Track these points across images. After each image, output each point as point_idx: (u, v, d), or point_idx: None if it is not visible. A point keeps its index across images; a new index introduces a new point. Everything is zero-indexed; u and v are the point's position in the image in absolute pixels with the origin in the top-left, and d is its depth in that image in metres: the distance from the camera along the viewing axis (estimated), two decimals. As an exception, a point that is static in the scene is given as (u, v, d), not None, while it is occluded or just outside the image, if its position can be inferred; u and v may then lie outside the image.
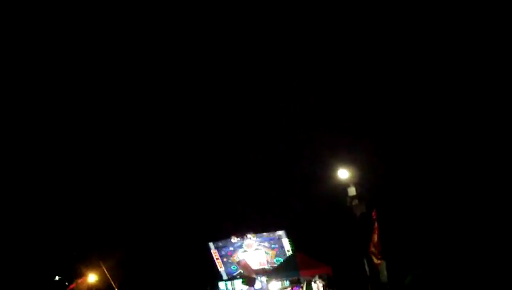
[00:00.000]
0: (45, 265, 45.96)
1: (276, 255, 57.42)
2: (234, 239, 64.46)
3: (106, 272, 48.38)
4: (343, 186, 25.06)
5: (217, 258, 65.38)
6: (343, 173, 24.85)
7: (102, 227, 57.71)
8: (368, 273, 23.94)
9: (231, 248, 64.97)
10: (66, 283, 49.50)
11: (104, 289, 48.36)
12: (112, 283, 48.17)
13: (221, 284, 62.65)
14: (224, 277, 65.00)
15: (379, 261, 23.20)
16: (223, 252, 65.59)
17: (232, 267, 64.30)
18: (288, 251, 59.83)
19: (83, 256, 48.96)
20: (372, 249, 23.06)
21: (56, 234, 47.40)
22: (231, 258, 64.58)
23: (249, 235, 63.68)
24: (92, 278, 47.93)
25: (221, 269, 65.41)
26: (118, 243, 56.81)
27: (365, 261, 23.89)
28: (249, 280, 45.00)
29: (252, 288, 47.12)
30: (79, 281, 48.26)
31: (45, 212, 47.67)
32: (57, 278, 49.19)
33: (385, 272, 22.25)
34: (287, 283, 45.79)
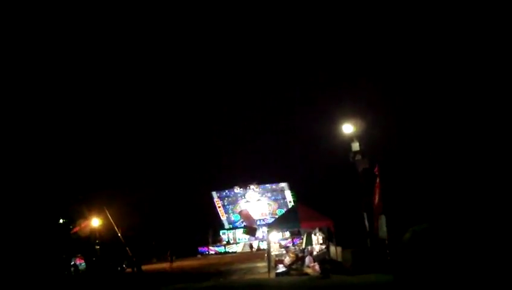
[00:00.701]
0: (50, 208, 46.26)
1: (279, 207, 58.07)
2: (237, 189, 65.20)
3: (110, 217, 48.74)
4: (347, 141, 24.94)
5: (219, 207, 66.24)
6: (348, 128, 24.62)
7: (108, 173, 58.12)
8: (368, 228, 24.09)
9: (233, 198, 65.82)
10: (71, 226, 49.96)
11: (108, 234, 48.74)
12: (116, 228, 48.55)
13: (223, 233, 63.66)
14: (227, 225, 65.97)
15: (372, 216, 23.34)
16: (226, 202, 66.48)
17: (234, 217, 65.15)
18: (290, 202, 60.48)
19: (87, 200, 49.20)
20: (375, 203, 23.18)
21: (62, 177, 47.71)
22: (234, 207, 65.46)
23: (251, 186, 64.36)
24: (95, 222, 48.27)
25: (224, 218, 66.33)
26: (123, 190, 57.26)
27: (365, 216, 24.00)
28: (250, 230, 45.48)
29: (253, 237, 47.71)
30: (82, 225, 48.69)
31: (52, 155, 47.88)
32: (61, 221, 49.61)
33: (384, 228, 22.32)
34: (287, 234, 46.38)
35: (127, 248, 44.38)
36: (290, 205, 57.45)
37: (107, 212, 48.08)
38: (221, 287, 22.92)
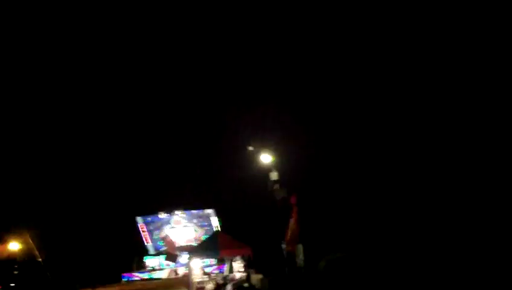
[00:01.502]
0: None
1: (205, 233, 57.88)
2: (162, 215, 64.49)
3: (31, 241, 47.63)
4: (266, 170, 25.46)
5: (144, 233, 65.38)
6: (266, 157, 25.16)
7: (28, 196, 56.64)
8: (285, 256, 24.62)
9: (159, 224, 65.11)
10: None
11: (26, 259, 47.53)
12: (36, 253, 47.44)
13: (147, 259, 62.80)
14: (152, 251, 65.11)
15: (289, 247, 23.94)
16: (151, 227, 65.62)
17: (159, 243, 64.37)
18: (216, 227, 60.46)
19: (6, 223, 47.86)
20: (288, 234, 23.78)
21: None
22: (159, 233, 64.68)
23: (176, 212, 63.87)
24: (14, 246, 47.00)
25: (149, 244, 65.45)
26: (45, 215, 55.93)
27: (283, 245, 24.53)
28: (170, 256, 45.46)
29: (174, 263, 47.41)
30: (-1, 249, 47.37)
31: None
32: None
33: (301, 256, 22.93)
34: (214, 261, 46.50)
35: (48, 273, 43.45)
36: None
37: (27, 235, 47.00)
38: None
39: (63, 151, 64.16)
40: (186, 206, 64.02)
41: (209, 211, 62.62)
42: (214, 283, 27.74)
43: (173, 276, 52.47)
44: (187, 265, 28.24)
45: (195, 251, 31.64)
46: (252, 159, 26.81)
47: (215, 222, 61.98)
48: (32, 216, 52.74)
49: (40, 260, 46.53)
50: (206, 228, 61.67)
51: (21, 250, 47.87)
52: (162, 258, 60.12)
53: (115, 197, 63.45)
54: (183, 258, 38.23)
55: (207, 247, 28.26)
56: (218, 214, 61.56)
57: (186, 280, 27.79)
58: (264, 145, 25.19)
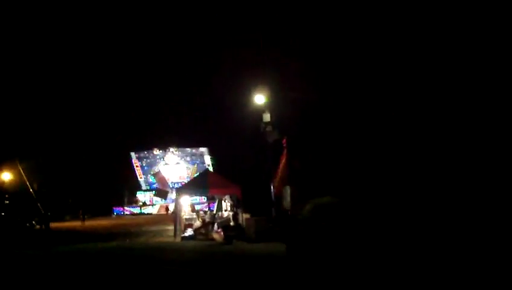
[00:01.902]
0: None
1: (198, 171, 57.98)
2: (156, 151, 64.85)
3: (22, 171, 47.59)
4: (260, 111, 25.16)
5: (137, 168, 65.82)
6: (260, 98, 24.77)
7: (22, 126, 56.44)
8: (273, 197, 24.64)
9: (152, 160, 65.50)
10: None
11: (19, 189, 47.59)
12: (27, 183, 47.43)
13: (139, 194, 63.34)
14: (144, 187, 65.65)
15: (277, 189, 23.98)
16: (144, 163, 66.08)
17: (151, 179, 64.86)
18: (209, 165, 60.80)
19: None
20: (277, 175, 23.78)
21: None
22: (152, 169, 65.13)
23: (171, 149, 64.19)
24: (6, 176, 47.06)
25: (141, 179, 65.97)
26: (39, 146, 55.90)
27: (272, 186, 24.51)
28: (160, 192, 45.62)
29: (168, 200, 47.67)
30: (-10, 178, 47.46)
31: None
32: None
33: (288, 198, 22.93)
34: (205, 199, 46.79)
35: (39, 204, 43.54)
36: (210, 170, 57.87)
37: (19, 166, 46.93)
38: (121, 249, 23.00)
39: (60, 83, 63.59)
40: (180, 144, 64.49)
41: (203, 149, 62.91)
42: (201, 220, 27.86)
43: (163, 212, 52.93)
44: (176, 201, 28.20)
45: (184, 187, 31.69)
46: (246, 99, 26.51)
47: (208, 161, 62.36)
48: (26, 147, 52.67)
49: (32, 191, 46.52)
50: (199, 166, 62.01)
51: (13, 180, 47.92)
52: (152, 194, 60.75)
53: (110, 132, 63.52)
54: (174, 194, 38.40)
55: (196, 184, 28.26)
56: (211, 153, 61.90)
57: (174, 216, 27.85)
58: (259, 85, 24.78)
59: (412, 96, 23.05)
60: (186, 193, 29.58)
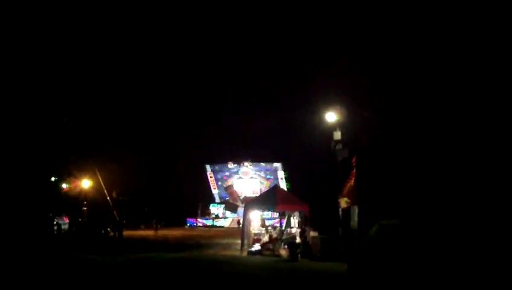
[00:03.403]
0: (42, 165, 46.61)
1: (271, 186, 58.12)
2: (231, 165, 65.54)
3: (100, 179, 49.25)
4: (331, 129, 25.08)
5: (212, 181, 66.68)
6: (331, 116, 24.71)
7: (103, 136, 58.28)
8: (341, 217, 24.41)
9: (227, 173, 66.21)
10: (63, 185, 50.49)
11: (97, 196, 49.24)
12: (105, 191, 49.01)
13: (212, 206, 64.06)
14: (217, 199, 66.40)
15: (346, 206, 23.70)
16: (219, 176, 66.86)
17: (224, 191, 65.55)
18: (282, 179, 61.00)
19: (79, 161, 49.51)
20: (344, 193, 23.52)
21: (56, 136, 47.89)
22: (226, 183, 65.87)
23: (246, 163, 64.71)
24: (85, 183, 48.76)
25: (215, 192, 66.75)
26: (118, 154, 57.54)
27: (339, 205, 24.28)
28: (230, 205, 46.01)
29: (235, 213, 48.02)
30: (72, 184, 49.27)
31: (47, 114, 47.98)
32: (53, 179, 50.09)
33: (356, 218, 22.64)
34: (276, 214, 46.79)
35: (115, 212, 44.90)
36: (283, 185, 57.97)
37: (98, 174, 48.59)
38: (187, 260, 23.30)
39: (142, 93, 65.54)
40: (255, 158, 64.96)
41: (277, 164, 63.06)
42: (269, 235, 27.95)
43: (235, 225, 53.26)
44: (245, 216, 28.39)
45: (253, 202, 31.89)
46: (319, 117, 26.49)
47: (281, 175, 62.48)
48: (106, 156, 54.32)
49: (109, 199, 48.02)
50: (271, 180, 62.14)
51: (92, 187, 49.58)
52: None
53: (188, 145, 64.76)
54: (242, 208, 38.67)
55: (265, 200, 28.41)
56: (285, 168, 61.95)
57: (242, 230, 28.05)
58: (331, 104, 24.75)
59: (490, 116, 22.46)
60: (255, 208, 29.71)
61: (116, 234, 36.89)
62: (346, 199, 23.81)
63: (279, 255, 25.44)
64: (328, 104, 25.54)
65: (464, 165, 22.08)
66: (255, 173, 64.57)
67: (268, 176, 63.68)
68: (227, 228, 55.33)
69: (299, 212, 27.54)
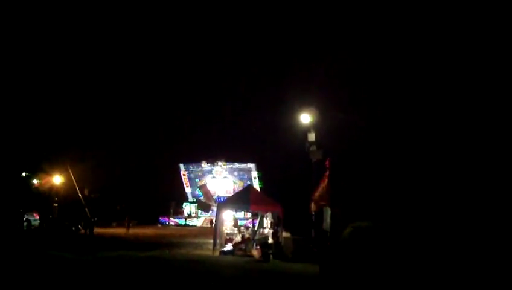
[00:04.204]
0: (12, 160, 46.08)
1: (244, 186, 58.19)
2: (204, 164, 65.46)
3: (72, 176, 48.67)
4: (305, 131, 25.12)
5: (185, 180, 66.53)
6: (305, 118, 24.74)
7: (75, 132, 57.83)
8: (314, 218, 24.49)
9: (200, 173, 66.08)
10: (34, 181, 49.86)
11: (69, 193, 48.61)
12: (77, 188, 48.45)
13: (185, 205, 63.86)
14: (190, 198, 66.20)
15: (315, 210, 23.84)
16: (192, 175, 66.72)
17: (198, 191, 65.38)
18: (254, 179, 61.13)
19: (51, 156, 48.98)
20: (316, 195, 23.64)
21: (27, 132, 47.45)
22: (199, 182, 65.73)
23: (219, 163, 64.66)
24: (57, 179, 48.09)
25: (188, 191, 66.57)
26: (90, 151, 57.07)
27: (311, 206, 24.37)
28: (202, 205, 45.92)
29: (207, 212, 47.89)
30: (43, 180, 48.65)
31: (20, 110, 47.52)
32: (23, 174, 49.50)
33: (329, 220, 22.72)
34: (249, 214, 46.84)
35: (87, 209, 44.41)
36: (256, 185, 58.10)
37: (70, 171, 48.00)
38: (158, 259, 23.18)
39: (114, 92, 65.15)
40: (228, 158, 64.97)
41: (251, 165, 63.10)
42: (241, 236, 28.01)
43: (208, 225, 53.15)
44: (218, 215, 28.35)
45: (226, 202, 31.92)
46: (293, 118, 26.51)
47: (254, 176, 62.52)
48: (78, 152, 53.86)
49: (81, 196, 47.50)
50: (245, 181, 62.11)
51: (63, 184, 48.98)
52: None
53: (161, 144, 64.59)
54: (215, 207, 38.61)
55: (238, 200, 28.43)
56: (259, 169, 62.00)
57: (214, 229, 28.02)
58: (305, 105, 24.78)
59: (464, 121, 22.67)
60: (228, 208, 29.71)
61: (87, 231, 36.58)
62: (313, 203, 24.05)
63: (251, 256, 25.45)
64: (302, 105, 25.57)
65: (439, 168, 22.26)
66: (229, 173, 64.56)
67: (241, 177, 63.69)
68: (200, 227, 55.17)
69: (272, 213, 27.60)
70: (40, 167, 49.38)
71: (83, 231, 38.17)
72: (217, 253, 26.19)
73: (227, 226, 30.36)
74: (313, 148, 24.55)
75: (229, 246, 27.01)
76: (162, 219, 60.56)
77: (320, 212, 24.10)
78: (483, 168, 20.51)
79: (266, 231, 28.34)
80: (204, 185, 63.14)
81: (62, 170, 48.84)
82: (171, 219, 60.36)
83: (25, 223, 40.28)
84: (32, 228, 40.52)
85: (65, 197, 48.67)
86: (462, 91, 23.26)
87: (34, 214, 43.88)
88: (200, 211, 58.94)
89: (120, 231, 44.91)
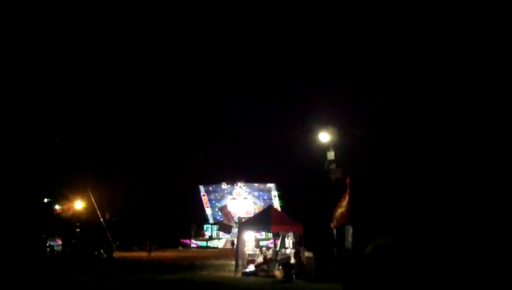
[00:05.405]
0: (34, 186, 46.40)
1: (264, 207, 58.09)
2: (224, 185, 65.46)
3: (93, 200, 49.06)
4: (324, 149, 25.13)
5: (205, 201, 66.48)
6: (324, 136, 24.77)
7: (96, 157, 58.11)
8: (335, 237, 24.39)
9: (220, 194, 66.03)
10: (56, 207, 50.27)
11: (90, 217, 48.98)
12: (98, 212, 48.80)
13: (206, 227, 63.85)
14: (211, 220, 66.13)
15: (334, 226, 23.75)
16: (212, 197, 66.70)
17: (218, 212, 65.33)
18: (274, 196, 61.02)
19: (71, 182, 49.32)
20: (336, 214, 23.54)
21: (48, 157, 47.73)
22: (220, 203, 65.67)
23: (239, 184, 64.61)
24: (78, 204, 48.51)
25: (208, 213, 66.51)
26: (111, 175, 57.32)
27: (332, 225, 24.27)
28: (223, 226, 45.79)
29: (229, 234, 47.78)
30: (65, 206, 49.09)
31: (40, 135, 47.89)
32: (45, 200, 49.88)
33: (350, 238, 22.62)
34: (271, 235, 46.71)
35: (108, 233, 44.67)
36: (276, 203, 58.14)
37: (91, 195, 48.40)
38: (182, 282, 23.20)
39: (131, 114, 65.49)
40: (248, 179, 64.95)
41: (270, 185, 63.02)
42: (263, 256, 27.93)
43: (229, 246, 53.01)
44: (239, 236, 28.28)
45: (247, 223, 31.87)
46: (312, 137, 26.54)
47: (275, 196, 62.35)
48: (98, 177, 54.13)
49: (102, 220, 47.79)
50: (266, 201, 61.94)
51: (85, 208, 49.34)
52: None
53: (181, 166, 64.66)
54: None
55: (259, 220, 28.40)
56: (279, 189, 61.85)
57: (236, 251, 27.96)
58: (324, 124, 24.82)
59: (485, 138, 22.55)
60: (249, 229, 29.68)
61: (108, 255, 36.71)
62: (334, 222, 23.99)
63: (273, 276, 25.36)
64: (321, 124, 25.60)
65: (460, 186, 22.09)
66: (249, 194, 64.46)
67: (262, 197, 63.58)
68: (221, 249, 55.06)
69: (293, 233, 27.50)
70: (62, 193, 49.76)
71: (105, 255, 38.26)
72: (239, 274, 26.12)
73: (249, 247, 30.30)
74: (333, 166, 24.53)
75: (251, 267, 26.93)
76: (183, 241, 60.53)
77: (341, 231, 24.00)
78: (507, 189, 20.34)
79: (288, 251, 28.23)
80: (225, 207, 63.10)
81: (83, 194, 49.28)
82: (193, 241, 60.31)
83: (48, 249, 40.52)
84: (55, 253, 40.76)
85: (87, 221, 49.06)
86: (483, 107, 23.17)
87: (57, 240, 44.17)
88: (221, 233, 58.85)
89: (142, 254, 44.93)
